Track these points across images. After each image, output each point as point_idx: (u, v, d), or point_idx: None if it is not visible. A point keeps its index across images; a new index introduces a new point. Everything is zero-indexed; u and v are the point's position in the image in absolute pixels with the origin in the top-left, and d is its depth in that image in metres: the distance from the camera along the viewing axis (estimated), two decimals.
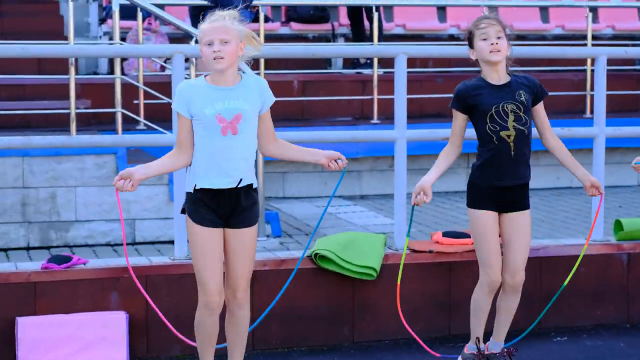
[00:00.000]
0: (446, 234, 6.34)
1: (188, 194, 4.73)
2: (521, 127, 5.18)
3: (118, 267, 5.76)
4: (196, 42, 7.41)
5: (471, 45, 5.22)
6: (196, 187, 4.67)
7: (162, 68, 9.67)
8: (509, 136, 5.16)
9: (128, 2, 8.15)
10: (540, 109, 5.31)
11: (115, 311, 5.64)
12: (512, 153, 5.17)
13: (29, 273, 5.63)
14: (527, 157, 5.25)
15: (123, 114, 7.98)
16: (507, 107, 5.16)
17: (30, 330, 5.48)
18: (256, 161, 6.05)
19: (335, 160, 4.89)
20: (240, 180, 4.66)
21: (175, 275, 5.77)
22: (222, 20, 4.60)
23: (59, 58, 8.69)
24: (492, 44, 5.11)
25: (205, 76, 4.71)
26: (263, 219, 7.26)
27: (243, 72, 4.76)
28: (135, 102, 8.51)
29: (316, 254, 5.97)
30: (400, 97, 6.18)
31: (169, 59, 8.10)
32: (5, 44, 7.42)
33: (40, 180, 7.00)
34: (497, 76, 5.20)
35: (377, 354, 5.90)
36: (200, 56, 4.71)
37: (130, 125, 8.51)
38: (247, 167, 4.69)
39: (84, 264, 5.81)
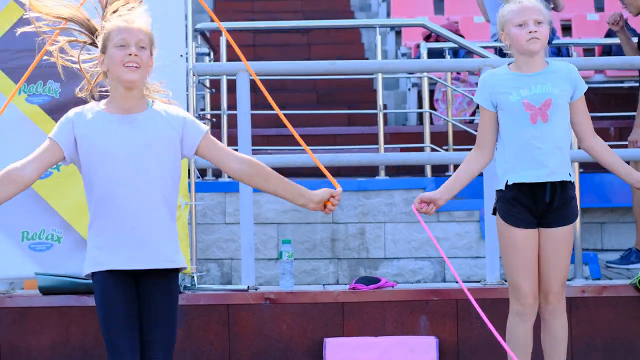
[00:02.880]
0: None
1: (499, 192, 4.46)
2: None
3: (427, 289, 5.59)
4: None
5: None
6: (508, 183, 4.39)
7: (472, 117, 9.47)
8: None
9: (435, 46, 8.03)
10: None
11: (424, 335, 5.42)
12: None
13: (337, 293, 5.54)
14: None
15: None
16: None
17: (338, 351, 5.38)
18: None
19: None
20: (556, 173, 4.33)
21: (487, 299, 5.47)
22: (535, 1, 4.36)
23: (369, 112, 8.75)
24: None
25: (508, 64, 4.48)
26: (580, 260, 6.81)
27: (547, 59, 4.46)
28: (444, 148, 8.34)
29: None
30: None
31: (477, 109, 7.90)
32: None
33: (349, 216, 6.93)
34: None
35: None
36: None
37: (440, 173, 8.34)
38: (561, 157, 4.36)
39: (392, 286, 5.64)
